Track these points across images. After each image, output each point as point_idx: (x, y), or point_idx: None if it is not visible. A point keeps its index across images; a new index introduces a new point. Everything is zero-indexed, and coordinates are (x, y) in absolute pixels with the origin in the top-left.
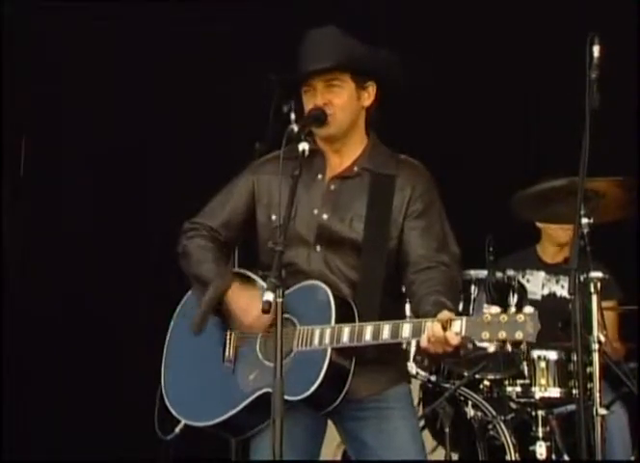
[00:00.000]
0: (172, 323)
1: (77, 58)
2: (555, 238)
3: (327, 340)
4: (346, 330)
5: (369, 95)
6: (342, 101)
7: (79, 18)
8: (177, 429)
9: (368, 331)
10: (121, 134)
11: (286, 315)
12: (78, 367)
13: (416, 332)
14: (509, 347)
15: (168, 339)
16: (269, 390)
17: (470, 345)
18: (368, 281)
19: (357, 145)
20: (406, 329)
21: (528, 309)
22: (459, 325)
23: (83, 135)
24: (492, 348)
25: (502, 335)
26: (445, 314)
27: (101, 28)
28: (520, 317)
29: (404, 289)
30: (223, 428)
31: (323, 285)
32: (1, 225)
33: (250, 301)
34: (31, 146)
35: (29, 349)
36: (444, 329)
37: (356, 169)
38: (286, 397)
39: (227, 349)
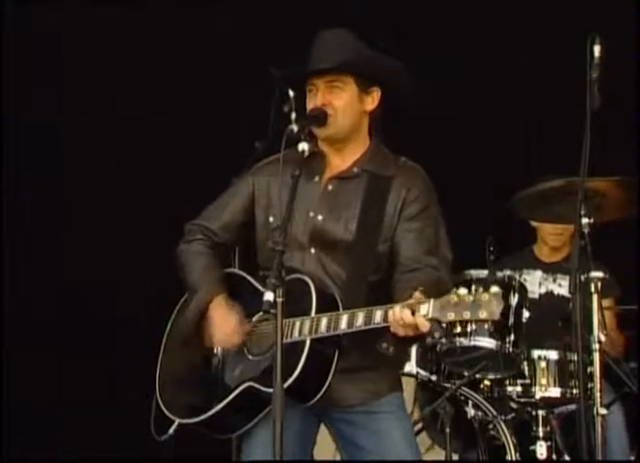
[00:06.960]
0: (169, 323)
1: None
2: (547, 241)
3: (306, 330)
4: (324, 320)
5: (373, 101)
6: (342, 103)
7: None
8: (171, 430)
9: (344, 320)
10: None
11: (272, 310)
12: (79, 365)
13: (387, 317)
14: (506, 348)
15: (165, 338)
16: (252, 383)
17: (437, 334)
18: (354, 278)
19: (358, 147)
20: (377, 315)
21: (494, 288)
22: (426, 308)
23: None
24: (491, 345)
25: (467, 315)
26: (415, 297)
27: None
28: (485, 297)
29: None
30: (211, 425)
31: (305, 278)
32: (1, 221)
33: (224, 318)
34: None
35: (29, 346)
36: (413, 313)
37: (355, 170)
38: (270, 390)
39: (216, 347)
